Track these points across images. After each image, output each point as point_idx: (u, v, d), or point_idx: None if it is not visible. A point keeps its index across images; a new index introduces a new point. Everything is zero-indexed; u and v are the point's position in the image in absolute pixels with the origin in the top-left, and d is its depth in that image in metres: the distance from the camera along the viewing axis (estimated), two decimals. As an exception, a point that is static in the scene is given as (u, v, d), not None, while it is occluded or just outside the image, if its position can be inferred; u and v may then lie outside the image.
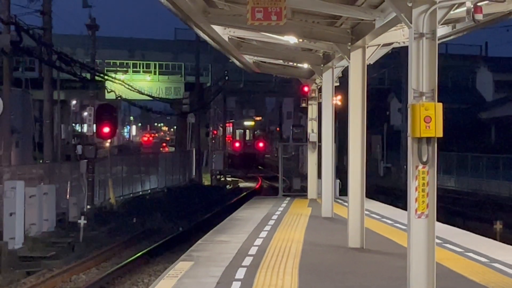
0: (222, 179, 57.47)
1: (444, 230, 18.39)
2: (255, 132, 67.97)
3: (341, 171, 30.29)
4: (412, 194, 9.83)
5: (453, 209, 35.17)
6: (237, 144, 67.86)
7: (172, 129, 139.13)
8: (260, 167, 69.03)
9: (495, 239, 20.43)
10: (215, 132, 61.66)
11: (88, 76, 34.35)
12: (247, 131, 69.50)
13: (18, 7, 34.02)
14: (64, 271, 19.12)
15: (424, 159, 9.77)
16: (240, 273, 12.48)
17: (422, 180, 9.81)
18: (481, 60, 74.06)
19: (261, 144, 62.62)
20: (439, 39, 15.80)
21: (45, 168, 30.48)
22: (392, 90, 67.99)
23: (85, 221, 24.51)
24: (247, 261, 13.68)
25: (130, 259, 21.26)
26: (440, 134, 9.64)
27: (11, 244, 20.40)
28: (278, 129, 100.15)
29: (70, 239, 23.78)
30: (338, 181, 28.45)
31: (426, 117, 9.57)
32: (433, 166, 9.80)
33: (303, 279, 12.01)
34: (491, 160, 45.58)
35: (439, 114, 9.61)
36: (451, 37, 16.37)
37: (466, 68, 73.99)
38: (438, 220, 20.52)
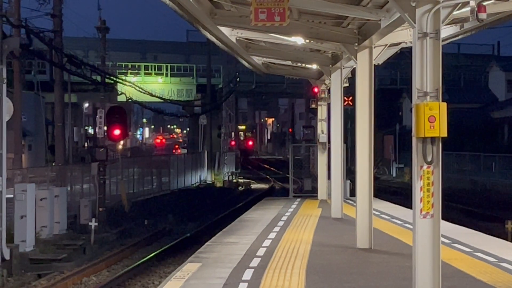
0: (234, 180, 57.52)
1: (453, 230, 18.36)
2: (246, 134, 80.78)
3: (353, 172, 30.23)
4: (417, 194, 9.82)
5: (465, 209, 35.06)
6: (233, 143, 78.94)
7: (185, 131, 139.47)
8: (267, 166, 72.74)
9: (506, 239, 20.32)
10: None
11: (99, 78, 34.45)
12: (240, 133, 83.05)
13: (29, 10, 34.22)
14: (75, 273, 19.15)
15: (429, 159, 9.77)
16: (248, 274, 12.48)
17: (427, 180, 9.80)
18: (493, 59, 73.85)
19: (250, 143, 76.31)
20: (447, 39, 15.90)
21: (56, 171, 30.60)
22: (404, 91, 67.91)
23: (96, 223, 24.57)
24: (255, 262, 13.68)
25: (141, 261, 21.30)
26: (444, 134, 9.62)
27: (22, 246, 20.45)
28: (290, 130, 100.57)
29: (81, 241, 23.82)
30: (348, 181, 28.42)
31: (430, 116, 9.56)
32: (437, 166, 9.79)
33: (310, 280, 12.01)
34: (504, 160, 45.46)
35: (443, 113, 9.59)
36: (459, 37, 16.36)
37: (478, 68, 73.88)
38: (449, 220, 20.52)
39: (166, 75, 63.50)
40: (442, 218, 10.07)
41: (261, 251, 15.02)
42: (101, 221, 27.14)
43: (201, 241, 22.92)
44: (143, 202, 36.52)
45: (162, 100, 51.96)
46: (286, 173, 48.84)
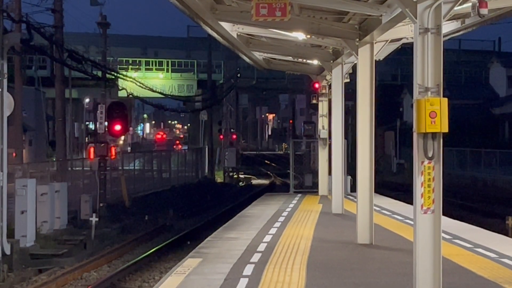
0: (235, 176, 57.53)
1: (454, 226, 18.35)
2: (231, 130, 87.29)
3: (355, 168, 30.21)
4: (418, 189, 9.79)
5: (465, 204, 35.07)
6: (234, 136, 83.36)
7: (186, 127, 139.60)
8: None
9: (507, 235, 20.31)
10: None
11: (100, 74, 34.44)
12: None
13: (29, 5, 34.28)
14: (75, 268, 19.18)
15: (430, 154, 9.74)
16: (248, 269, 12.47)
17: (427, 176, 9.78)
18: (494, 56, 73.80)
19: (234, 136, 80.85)
20: (448, 35, 15.88)
21: (57, 166, 30.62)
22: (405, 86, 67.93)
23: (97, 219, 24.59)
24: (256, 257, 13.67)
25: (141, 256, 21.31)
26: (445, 129, 9.60)
27: (22, 242, 20.46)
28: (291, 122, 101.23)
29: (82, 236, 23.84)
30: (349, 177, 28.41)
31: (432, 112, 9.53)
32: (438, 161, 9.77)
33: (311, 275, 12.00)
34: (505, 156, 45.46)
35: (444, 109, 9.57)
36: (460, 33, 16.33)
37: (479, 64, 73.81)
38: (450, 215, 20.51)
39: (167, 71, 63.51)
40: (443, 214, 10.06)
41: (261, 247, 15.01)
42: (102, 216, 27.15)
43: (201, 236, 22.95)
44: (143, 198, 36.54)
45: (163, 96, 51.91)
46: (286, 169, 48.96)
